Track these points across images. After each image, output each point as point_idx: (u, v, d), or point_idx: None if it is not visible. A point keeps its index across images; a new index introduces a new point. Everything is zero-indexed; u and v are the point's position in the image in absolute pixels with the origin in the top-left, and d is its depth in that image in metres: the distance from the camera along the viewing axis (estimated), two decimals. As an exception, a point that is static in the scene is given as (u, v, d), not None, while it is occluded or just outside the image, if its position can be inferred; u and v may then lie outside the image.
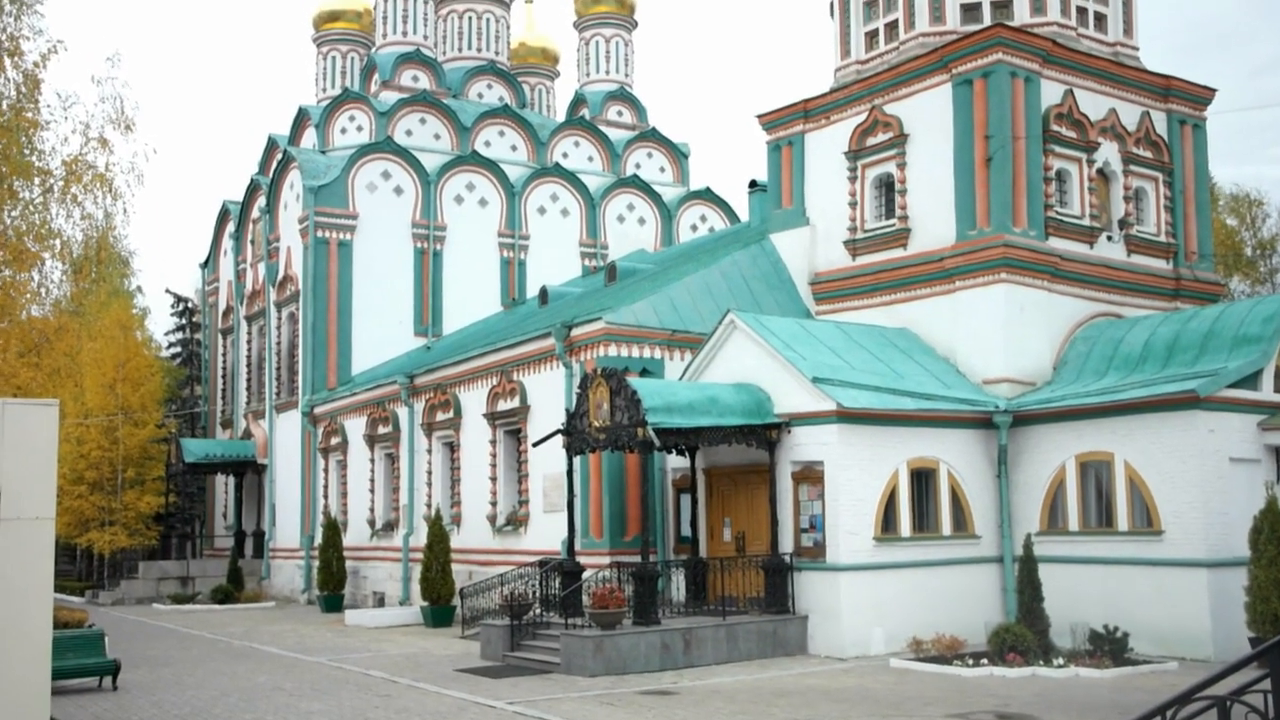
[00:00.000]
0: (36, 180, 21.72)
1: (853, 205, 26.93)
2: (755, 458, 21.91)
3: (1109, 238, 25.64)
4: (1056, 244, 24.59)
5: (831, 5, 28.92)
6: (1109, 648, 18.75)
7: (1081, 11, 26.60)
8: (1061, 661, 18.33)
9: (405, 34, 45.83)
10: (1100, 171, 25.80)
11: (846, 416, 20.74)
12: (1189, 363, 21.68)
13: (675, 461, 24.01)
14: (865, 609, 20.49)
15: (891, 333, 24.85)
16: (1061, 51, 25.12)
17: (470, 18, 48.79)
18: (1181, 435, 20.08)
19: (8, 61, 21.21)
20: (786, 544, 21.14)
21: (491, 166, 42.15)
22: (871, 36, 27.92)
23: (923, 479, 21.88)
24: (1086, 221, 25.22)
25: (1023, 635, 18.72)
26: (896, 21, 27.15)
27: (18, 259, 21.33)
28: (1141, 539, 20.46)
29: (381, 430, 34.36)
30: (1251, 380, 20.79)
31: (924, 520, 21.83)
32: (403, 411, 33.15)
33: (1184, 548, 19.81)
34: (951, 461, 22.16)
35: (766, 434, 21.31)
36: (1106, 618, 19.53)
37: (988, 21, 25.58)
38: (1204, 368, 21.07)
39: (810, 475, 20.98)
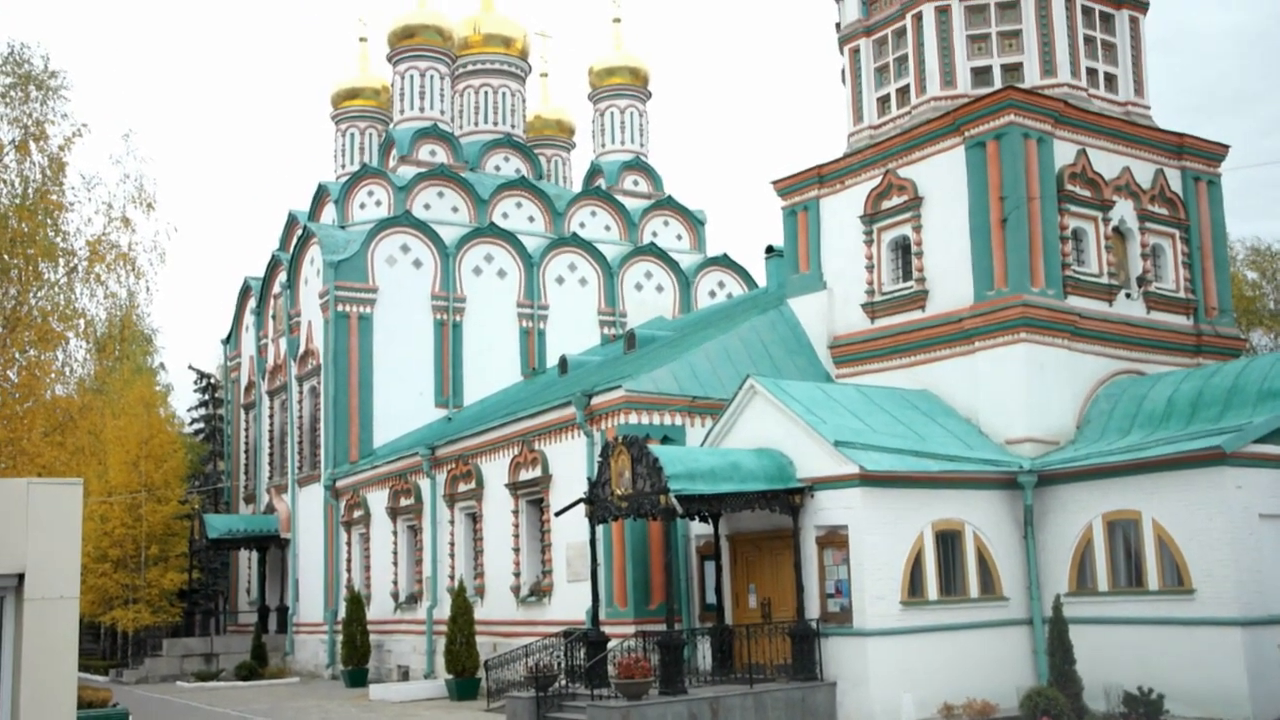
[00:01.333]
0: (61, 261, 22.01)
1: (870, 268, 26.99)
2: (779, 523, 21.78)
3: (1128, 295, 25.60)
4: (1075, 302, 24.56)
5: (843, 72, 29.21)
6: (1144, 710, 18.46)
7: (1091, 73, 26.78)
8: (1095, 725, 18.04)
9: (422, 109, 46.47)
10: (1116, 229, 25.82)
11: (869, 480, 20.63)
12: (1214, 419, 21.52)
13: (698, 528, 23.89)
14: (894, 675, 20.23)
15: (912, 395, 24.78)
16: (1073, 112, 25.27)
17: (486, 92, 49.44)
18: (1209, 492, 19.88)
19: (33, 146, 21.60)
20: (812, 610, 20.94)
21: (509, 238, 42.47)
22: (883, 101, 28.15)
23: (948, 541, 21.69)
24: (1105, 279, 25.19)
25: (1055, 699, 18.45)
26: (908, 86, 27.38)
27: (43, 339, 21.56)
28: (1173, 598, 20.19)
29: (404, 502, 34.33)
30: (1278, 435, 20.61)
31: (951, 583, 21.60)
32: (425, 483, 33.14)
33: (1216, 606, 19.53)
34: (977, 523, 21.98)
35: (789, 499, 21.20)
36: (1140, 679, 19.23)
37: (998, 84, 25.78)
38: (1229, 423, 20.91)
39: (834, 539, 20.84)
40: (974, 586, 21.76)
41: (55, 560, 7.93)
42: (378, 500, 36.10)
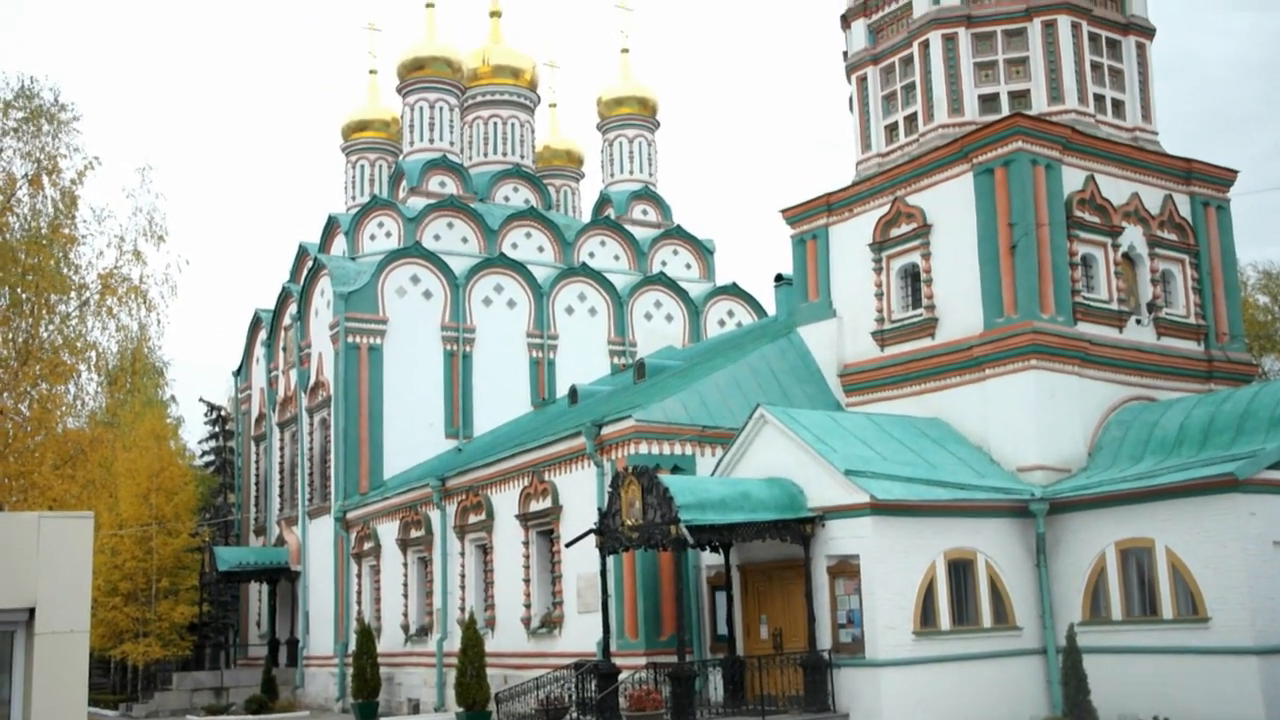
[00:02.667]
0: (73, 294, 22.11)
1: (879, 296, 26.98)
2: (790, 553, 21.70)
3: (1138, 321, 25.55)
4: (1085, 329, 24.51)
5: (850, 100, 29.30)
6: (1160, 740, 18.31)
7: (1099, 99, 26.82)
8: (1112, 755, 17.89)
9: (432, 141, 46.68)
10: (1126, 255, 25.80)
11: (880, 509, 20.55)
12: (1226, 445, 21.42)
13: (709, 559, 23.81)
14: (907, 705, 20.08)
15: (923, 422, 24.71)
16: (1081, 138, 25.30)
17: (495, 123, 49.66)
18: (1222, 519, 19.77)
19: (46, 180, 21.73)
20: (824, 640, 20.83)
21: (519, 268, 42.56)
22: (891, 129, 28.22)
23: (960, 570, 21.58)
24: (1115, 306, 25.15)
25: (1070, 729, 18.31)
26: (915, 114, 27.45)
27: (54, 372, 21.63)
28: (1187, 627, 20.05)
29: (414, 534, 34.27)
30: (1291, 461, 20.50)
31: (963, 613, 21.47)
32: (435, 514, 33.09)
33: (1232, 635, 19.38)
34: (989, 552, 21.87)
35: (800, 528, 21.12)
36: (1155, 709, 19.08)
37: (1006, 111, 25.83)
38: (1241, 449, 20.80)
39: (846, 569, 20.74)
40: (987, 616, 21.63)
41: (66, 594, 7.93)
42: (388, 532, 36.04)
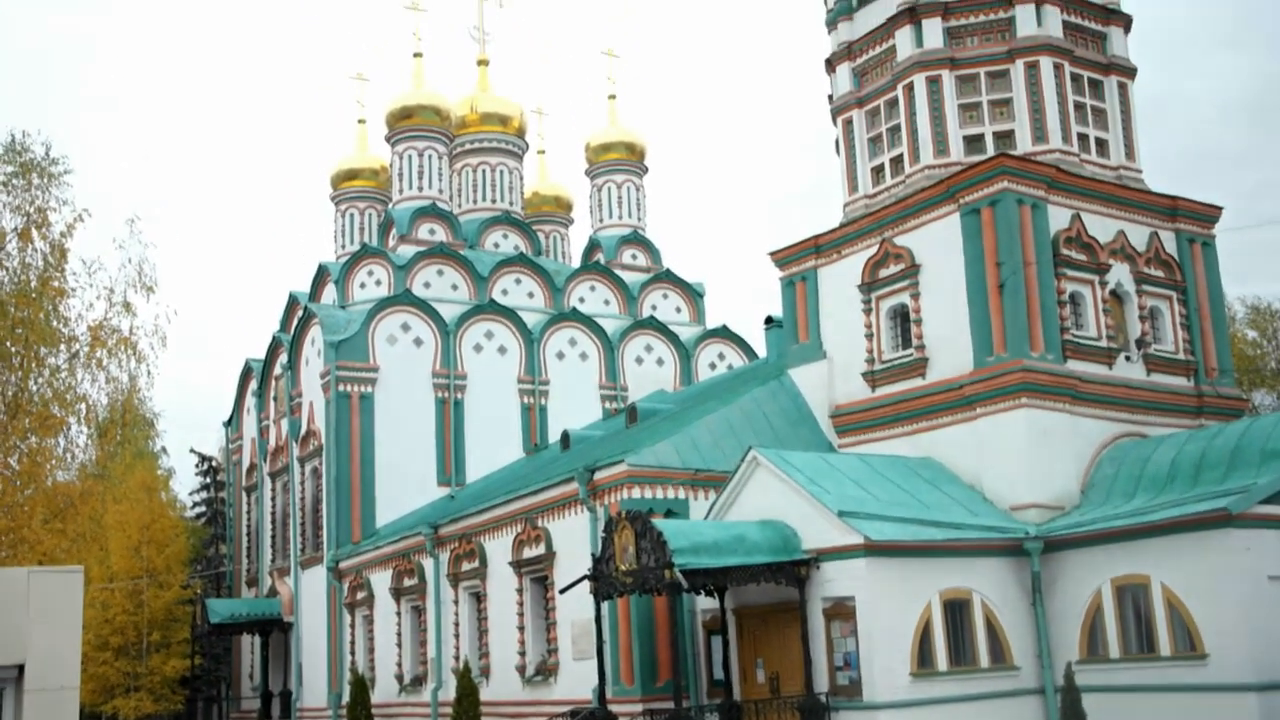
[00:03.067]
0: (62, 346, 22.08)
1: (869, 337, 27.03)
2: (785, 596, 21.59)
3: (1127, 358, 25.62)
4: (1075, 366, 24.57)
5: (837, 142, 29.49)
6: (1161, 779, 18.17)
7: (1083, 138, 27.04)
8: (1112, 796, 17.75)
9: (421, 189, 46.87)
10: (1114, 293, 25.91)
11: (875, 550, 20.48)
12: (1218, 480, 21.41)
13: (704, 603, 23.69)
14: (906, 748, 19.92)
15: (915, 462, 24.70)
16: (1065, 177, 25.47)
17: (484, 170, 49.90)
18: (1217, 555, 19.72)
19: (35, 234, 21.76)
20: (821, 683, 20.69)
21: (509, 314, 42.63)
22: (878, 171, 28.40)
23: (956, 610, 21.47)
24: (1104, 343, 25.23)
25: (1070, 769, 18.17)
26: (901, 156, 27.63)
27: (44, 425, 21.56)
28: (1185, 664, 19.95)
29: (407, 583, 34.07)
30: (1284, 495, 20.50)
31: (960, 653, 21.35)
32: (428, 563, 32.92)
33: (1231, 671, 19.29)
34: (984, 591, 21.79)
35: (795, 571, 21.03)
36: (1156, 747, 18.96)
37: (991, 152, 26.01)
38: (1234, 484, 20.78)
39: (842, 611, 20.64)
40: (984, 656, 21.52)
41: (56, 650, 7.87)
42: (381, 581, 35.82)
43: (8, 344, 21.18)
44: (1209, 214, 27.95)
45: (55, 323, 21.99)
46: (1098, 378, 24.86)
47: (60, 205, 22.09)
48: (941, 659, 20.89)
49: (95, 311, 22.24)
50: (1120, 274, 26.01)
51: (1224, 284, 28.54)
